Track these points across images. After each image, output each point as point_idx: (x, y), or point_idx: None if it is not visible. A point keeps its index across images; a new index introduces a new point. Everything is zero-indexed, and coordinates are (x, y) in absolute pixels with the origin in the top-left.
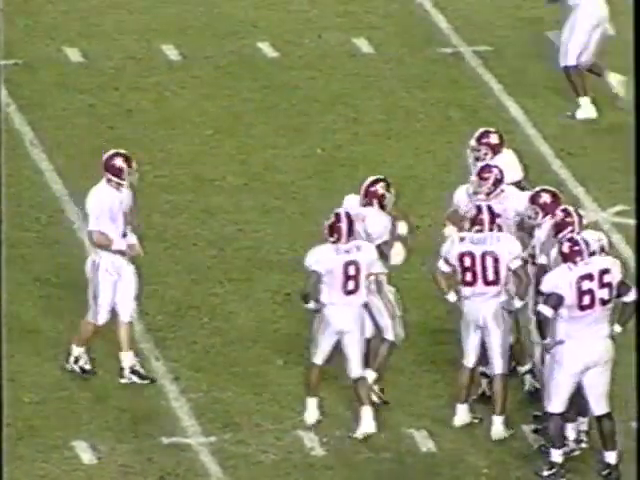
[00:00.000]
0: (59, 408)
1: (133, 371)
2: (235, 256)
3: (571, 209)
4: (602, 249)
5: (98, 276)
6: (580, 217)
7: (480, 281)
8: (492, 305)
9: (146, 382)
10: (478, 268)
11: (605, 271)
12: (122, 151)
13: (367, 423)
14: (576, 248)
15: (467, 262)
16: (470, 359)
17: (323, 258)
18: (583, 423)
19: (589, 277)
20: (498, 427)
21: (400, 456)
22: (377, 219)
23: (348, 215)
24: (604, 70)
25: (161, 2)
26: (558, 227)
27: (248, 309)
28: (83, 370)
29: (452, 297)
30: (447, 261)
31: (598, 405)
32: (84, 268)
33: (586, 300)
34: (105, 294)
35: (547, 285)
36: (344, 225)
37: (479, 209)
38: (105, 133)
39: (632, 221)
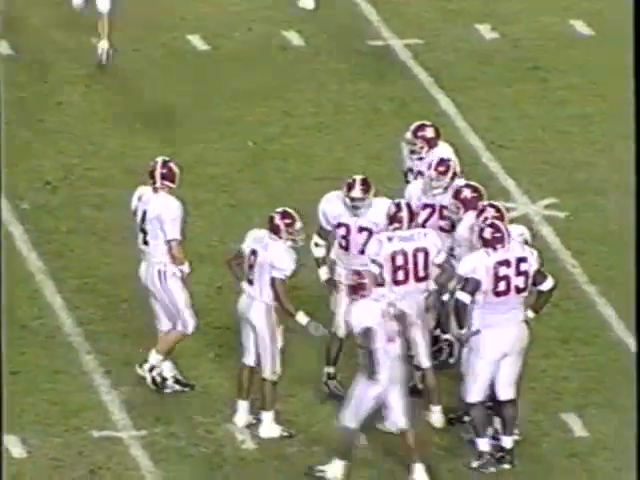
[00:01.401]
0: None
1: (176, 380)
2: None
3: (498, 204)
4: (525, 243)
5: (169, 285)
6: (505, 211)
7: (412, 279)
8: (420, 301)
9: (187, 389)
10: (410, 266)
11: (522, 259)
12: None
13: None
14: (497, 235)
15: (399, 261)
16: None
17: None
18: None
19: (506, 263)
20: (438, 416)
21: (331, 449)
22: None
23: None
24: None
25: None
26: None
27: None
28: (154, 382)
29: None
30: (375, 262)
31: (505, 391)
32: (6, 262)
33: (502, 286)
34: (181, 299)
35: (464, 268)
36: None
37: (398, 207)
38: (35, 126)
39: (561, 214)
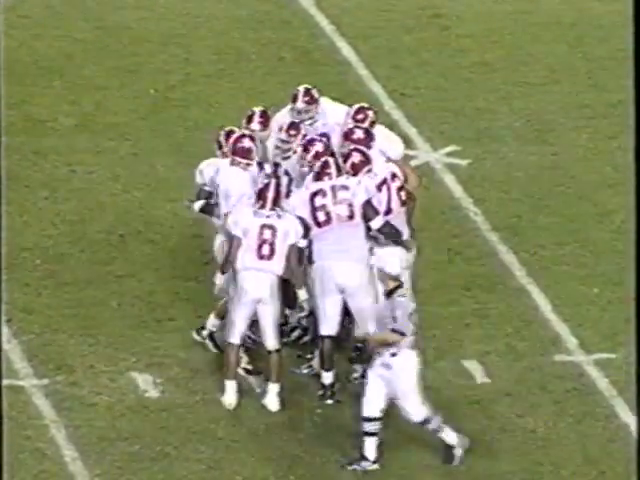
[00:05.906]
0: None
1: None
2: (68, 197)
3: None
4: (394, 176)
5: None
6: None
7: None
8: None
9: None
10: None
11: (341, 187)
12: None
13: (270, 400)
14: (328, 170)
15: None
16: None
17: (241, 219)
18: None
19: (321, 193)
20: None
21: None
22: None
23: (277, 184)
24: None
25: None
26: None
27: (81, 251)
28: (217, 346)
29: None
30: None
31: (326, 326)
32: None
33: (321, 216)
34: None
35: (288, 208)
36: (271, 194)
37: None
38: None
39: (463, 161)
